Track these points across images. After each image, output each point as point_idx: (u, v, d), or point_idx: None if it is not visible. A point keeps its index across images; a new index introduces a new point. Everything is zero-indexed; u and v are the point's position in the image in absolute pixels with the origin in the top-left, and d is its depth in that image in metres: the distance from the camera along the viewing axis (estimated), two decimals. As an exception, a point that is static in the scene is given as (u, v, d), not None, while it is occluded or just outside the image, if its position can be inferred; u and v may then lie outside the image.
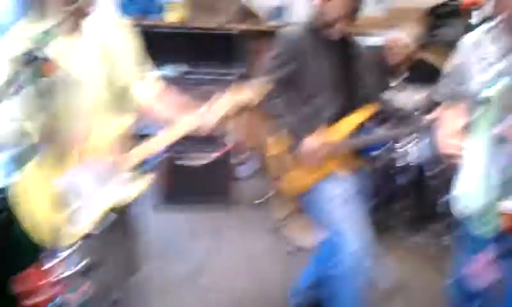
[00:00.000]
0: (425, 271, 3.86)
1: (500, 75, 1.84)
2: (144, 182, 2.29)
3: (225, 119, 2.21)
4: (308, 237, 4.05)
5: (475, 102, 1.91)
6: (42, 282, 1.79)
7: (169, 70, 4.83)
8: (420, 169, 3.94)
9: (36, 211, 2.05)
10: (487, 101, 1.81)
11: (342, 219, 2.59)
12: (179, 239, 4.20)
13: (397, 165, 3.90)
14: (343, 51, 2.65)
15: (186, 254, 3.94)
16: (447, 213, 3.93)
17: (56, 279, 1.81)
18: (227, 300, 3.41)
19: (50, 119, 1.88)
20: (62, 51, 2.00)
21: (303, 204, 2.78)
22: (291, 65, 2.58)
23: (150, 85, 2.39)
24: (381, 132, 2.81)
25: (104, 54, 2.18)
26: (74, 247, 1.93)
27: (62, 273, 1.83)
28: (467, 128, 2.07)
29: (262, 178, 5.35)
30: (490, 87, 1.84)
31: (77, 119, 2.13)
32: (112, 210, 2.20)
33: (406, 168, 3.94)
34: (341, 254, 2.57)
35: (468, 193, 1.82)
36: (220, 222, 4.52)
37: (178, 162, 4.70)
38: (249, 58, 4.96)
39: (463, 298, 1.91)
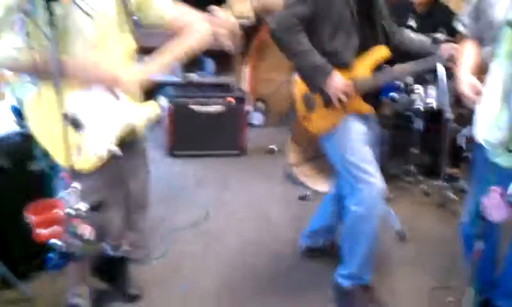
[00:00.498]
0: (440, 215, 3.84)
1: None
2: (153, 109, 2.27)
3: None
4: (321, 182, 4.05)
5: (501, 27, 1.85)
6: (52, 213, 1.77)
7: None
8: (438, 112, 3.86)
9: (50, 132, 2.03)
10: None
11: (365, 159, 2.59)
12: (186, 186, 4.20)
13: (416, 107, 3.82)
14: None
15: (194, 201, 3.93)
16: (464, 153, 3.90)
17: (64, 213, 1.79)
18: (234, 246, 3.40)
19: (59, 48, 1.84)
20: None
21: (325, 146, 2.74)
22: (312, 3, 2.49)
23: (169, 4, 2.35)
24: (401, 67, 2.73)
25: None
26: (87, 178, 1.90)
27: (70, 208, 1.81)
28: (488, 60, 2.03)
29: (273, 127, 5.37)
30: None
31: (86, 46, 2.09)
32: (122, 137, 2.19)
33: (425, 111, 3.86)
34: (364, 194, 2.56)
35: (490, 123, 1.76)
36: (229, 170, 4.52)
37: (190, 107, 4.66)
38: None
39: (476, 235, 1.85)
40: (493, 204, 1.74)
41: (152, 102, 2.28)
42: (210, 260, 3.23)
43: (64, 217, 1.74)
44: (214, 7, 2.25)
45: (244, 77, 5.29)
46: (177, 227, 3.54)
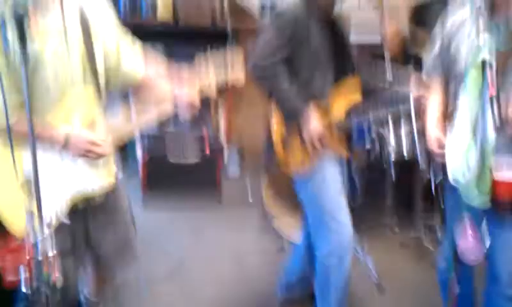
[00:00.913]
0: (417, 266, 3.83)
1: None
2: (113, 175, 2.25)
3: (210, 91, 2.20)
4: (299, 233, 4.02)
5: (464, 71, 1.91)
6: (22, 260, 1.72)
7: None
8: (410, 164, 3.91)
9: (4, 196, 2.00)
10: (478, 67, 1.80)
11: (339, 208, 2.63)
12: (162, 237, 4.13)
13: (389, 159, 3.85)
14: (333, 30, 2.66)
15: (168, 252, 3.86)
16: (440, 200, 3.92)
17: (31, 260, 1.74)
18: (211, 297, 3.34)
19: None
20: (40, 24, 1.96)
21: (300, 190, 2.75)
22: (289, 47, 2.56)
23: (138, 57, 2.34)
24: (374, 112, 2.80)
25: (84, 29, 2.12)
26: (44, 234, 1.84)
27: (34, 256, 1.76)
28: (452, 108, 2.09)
29: (249, 178, 5.35)
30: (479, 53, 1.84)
31: (51, 95, 2.06)
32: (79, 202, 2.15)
33: (397, 162, 3.89)
34: (335, 244, 2.61)
35: (461, 164, 1.79)
36: (205, 221, 4.46)
37: (166, 159, 4.64)
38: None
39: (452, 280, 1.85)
40: (468, 247, 1.75)
41: (109, 168, 2.25)
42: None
43: (33, 262, 1.69)
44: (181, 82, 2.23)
45: (220, 127, 5.28)
46: (153, 279, 3.46)
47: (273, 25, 2.61)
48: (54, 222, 2.03)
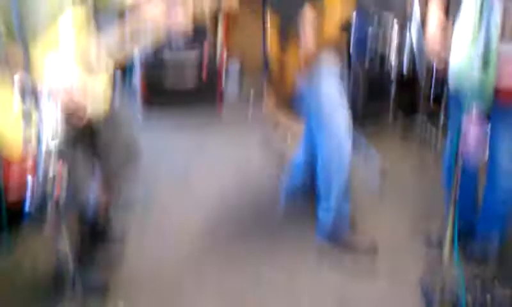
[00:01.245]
0: (421, 150, 3.85)
1: None
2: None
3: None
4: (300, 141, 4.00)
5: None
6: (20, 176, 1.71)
7: None
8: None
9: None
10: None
11: (337, 108, 2.63)
12: (162, 155, 4.10)
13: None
14: None
15: (170, 168, 3.85)
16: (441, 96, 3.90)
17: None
18: (214, 203, 3.36)
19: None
20: None
21: (297, 96, 2.72)
22: None
23: None
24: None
25: None
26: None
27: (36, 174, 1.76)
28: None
29: (248, 96, 5.28)
30: None
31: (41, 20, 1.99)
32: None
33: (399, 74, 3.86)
34: (334, 131, 2.63)
35: (463, 67, 1.74)
36: (205, 138, 4.38)
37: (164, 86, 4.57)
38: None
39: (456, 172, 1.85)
40: (470, 148, 1.73)
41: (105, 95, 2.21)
42: (189, 215, 3.20)
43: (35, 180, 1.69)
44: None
45: (218, 49, 5.11)
46: (156, 193, 3.46)
47: None
48: (52, 142, 2.00)
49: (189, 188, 3.56)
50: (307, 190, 3.08)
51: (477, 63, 1.72)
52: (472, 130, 1.75)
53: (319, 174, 2.81)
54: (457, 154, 1.77)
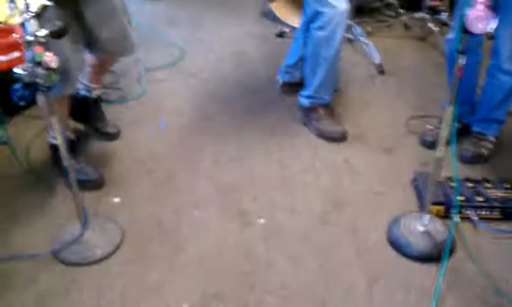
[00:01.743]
0: (420, 46, 3.78)
1: None
2: None
3: None
4: (298, 18, 3.90)
5: None
6: (10, 38, 1.63)
7: None
8: None
9: None
10: None
11: None
12: (160, 26, 4.01)
13: None
14: None
15: (168, 40, 3.78)
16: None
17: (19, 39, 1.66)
18: (211, 81, 3.34)
19: None
20: None
21: None
22: None
23: None
24: None
25: None
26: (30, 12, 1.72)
27: (29, 34, 1.67)
28: None
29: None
30: None
31: None
32: None
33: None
34: (327, 17, 2.59)
35: None
36: (203, 10, 4.30)
37: None
38: None
39: (459, 50, 1.79)
40: (478, 15, 1.66)
41: None
42: (188, 96, 3.18)
43: (23, 42, 1.62)
44: None
45: None
46: (153, 67, 3.44)
47: None
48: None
49: (185, 64, 3.53)
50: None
51: None
52: (478, 1, 1.68)
53: (305, 58, 2.83)
54: (462, 24, 1.71)
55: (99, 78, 2.68)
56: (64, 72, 2.06)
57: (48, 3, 1.83)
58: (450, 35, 2.51)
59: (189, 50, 3.66)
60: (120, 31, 2.37)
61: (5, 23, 1.68)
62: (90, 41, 2.32)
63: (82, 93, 2.66)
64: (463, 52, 1.79)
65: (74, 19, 2.17)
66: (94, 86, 2.67)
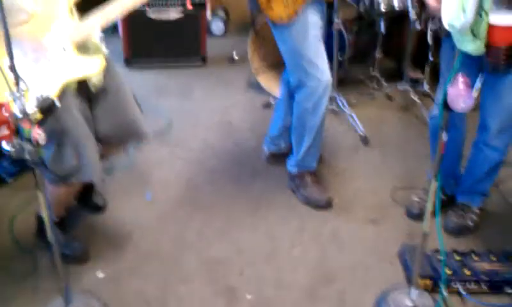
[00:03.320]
0: (403, 117, 3.85)
1: None
2: (100, 59, 2.11)
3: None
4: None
5: None
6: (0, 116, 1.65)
7: None
8: (400, 16, 3.78)
9: None
10: None
11: (317, 55, 2.63)
12: (147, 97, 4.05)
13: (379, 10, 3.71)
14: None
15: (156, 111, 3.82)
16: (429, 54, 3.85)
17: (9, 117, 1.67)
18: (199, 153, 3.36)
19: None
20: None
21: (279, 37, 2.67)
22: None
23: None
24: None
25: None
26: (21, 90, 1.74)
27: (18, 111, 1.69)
28: None
29: (233, 35, 5.22)
30: None
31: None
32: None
33: (387, 12, 3.76)
34: (312, 89, 2.66)
35: (456, 6, 1.69)
36: (190, 80, 4.38)
37: (147, 15, 4.42)
38: None
39: (441, 126, 1.84)
40: (459, 94, 1.72)
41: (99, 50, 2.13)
42: (175, 167, 3.19)
43: (11, 119, 1.64)
44: None
45: None
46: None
47: None
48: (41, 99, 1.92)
49: (172, 136, 3.55)
50: (289, 138, 3.07)
51: (467, 16, 1.68)
52: (459, 81, 1.73)
53: (292, 127, 2.90)
54: (445, 101, 1.75)
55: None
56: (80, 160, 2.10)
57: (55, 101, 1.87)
58: (434, 111, 2.56)
59: (176, 121, 3.70)
60: (124, 122, 2.34)
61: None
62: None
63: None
64: (446, 129, 1.84)
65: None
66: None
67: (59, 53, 2.01)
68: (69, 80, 2.02)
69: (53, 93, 1.94)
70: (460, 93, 1.72)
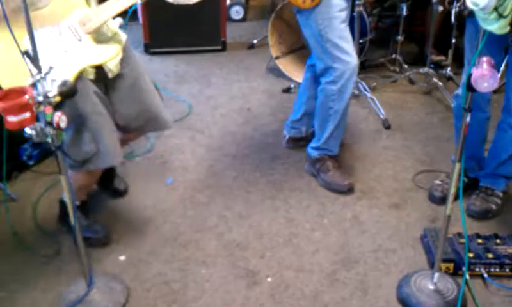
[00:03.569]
0: (425, 101, 3.80)
1: None
2: (117, 49, 2.11)
3: None
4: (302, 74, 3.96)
5: None
6: (22, 100, 1.66)
7: None
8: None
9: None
10: None
11: (343, 37, 2.61)
12: (167, 83, 4.08)
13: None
14: None
15: (176, 97, 3.84)
16: (452, 38, 3.79)
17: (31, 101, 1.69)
18: (219, 138, 3.36)
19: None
20: None
21: (304, 22, 2.65)
22: None
23: None
24: None
25: None
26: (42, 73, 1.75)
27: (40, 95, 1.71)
28: None
29: (253, 21, 5.20)
30: None
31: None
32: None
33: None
34: (338, 72, 2.64)
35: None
36: (210, 65, 4.38)
37: (165, 2, 4.41)
38: None
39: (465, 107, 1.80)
40: (482, 74, 1.68)
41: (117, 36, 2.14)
42: (195, 153, 3.19)
43: (34, 103, 1.65)
44: None
45: None
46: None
47: None
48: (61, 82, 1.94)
49: (193, 121, 3.56)
50: (309, 123, 3.08)
51: None
52: (483, 61, 1.69)
53: (315, 111, 2.88)
54: (468, 82, 1.72)
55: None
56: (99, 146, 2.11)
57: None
58: (459, 90, 2.52)
59: (197, 106, 3.71)
60: (143, 109, 2.31)
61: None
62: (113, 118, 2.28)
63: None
64: (469, 110, 1.81)
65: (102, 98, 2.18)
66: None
67: (76, 41, 2.02)
68: (85, 66, 2.03)
69: (70, 78, 1.96)
70: (484, 73, 1.68)
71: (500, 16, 1.65)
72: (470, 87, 1.73)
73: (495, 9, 1.67)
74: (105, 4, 2.03)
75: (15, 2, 1.81)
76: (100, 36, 2.08)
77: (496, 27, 1.69)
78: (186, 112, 3.64)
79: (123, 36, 2.19)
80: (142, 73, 2.32)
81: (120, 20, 2.18)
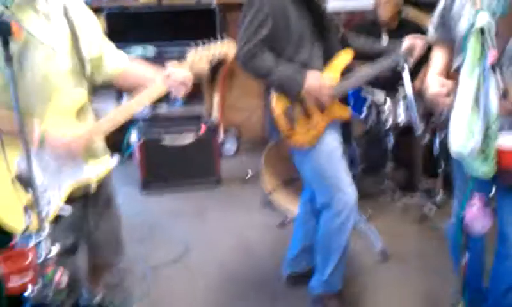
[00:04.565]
0: (420, 230, 3.82)
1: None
2: (110, 162, 2.21)
3: (200, 74, 2.16)
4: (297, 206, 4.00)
5: (465, 36, 1.83)
6: (23, 264, 1.68)
7: (147, 50, 4.71)
8: (408, 128, 3.88)
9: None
10: (476, 33, 1.73)
11: (341, 170, 2.66)
12: (164, 221, 4.10)
13: (386, 126, 3.83)
14: (313, 6, 2.59)
15: (172, 235, 3.84)
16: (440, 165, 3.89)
17: (32, 263, 1.70)
18: (217, 278, 3.32)
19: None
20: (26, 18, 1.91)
21: (300, 160, 2.74)
22: (270, 22, 2.49)
23: (121, 56, 2.33)
24: (366, 68, 2.74)
25: (69, 22, 2.07)
26: (44, 233, 1.79)
27: (37, 258, 1.72)
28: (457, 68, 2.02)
29: (246, 155, 5.34)
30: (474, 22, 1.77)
31: (43, 90, 1.99)
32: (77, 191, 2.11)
33: (394, 128, 3.87)
34: (341, 205, 2.65)
35: (462, 133, 1.74)
36: (205, 201, 4.43)
37: (161, 141, 4.57)
38: (231, 30, 4.88)
39: (461, 243, 1.83)
40: (475, 217, 1.72)
41: (104, 158, 2.23)
42: (193, 296, 3.14)
43: (36, 265, 1.66)
44: (171, 64, 2.19)
45: (215, 106, 5.25)
46: (157, 264, 3.44)
47: (251, 5, 2.50)
48: (52, 214, 1.98)
49: (188, 260, 3.54)
50: (309, 259, 3.05)
51: (474, 143, 1.70)
52: (474, 204, 1.73)
53: (316, 245, 2.85)
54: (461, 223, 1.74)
55: (96, 279, 2.66)
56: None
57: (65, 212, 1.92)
58: (452, 220, 2.48)
59: (193, 244, 3.70)
60: (114, 234, 2.43)
61: (20, 246, 1.73)
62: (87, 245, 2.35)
63: (85, 298, 2.63)
64: (466, 247, 1.82)
65: (82, 227, 2.23)
66: (94, 289, 2.64)
67: (65, 160, 2.05)
68: (75, 186, 2.07)
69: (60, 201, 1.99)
70: (476, 214, 1.72)
71: (486, 159, 1.72)
72: (463, 231, 1.76)
73: (481, 151, 1.75)
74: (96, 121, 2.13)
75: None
76: (90, 153, 2.14)
77: (483, 171, 1.75)
78: (182, 252, 3.61)
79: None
80: (115, 199, 2.40)
81: (116, 159, 2.26)
